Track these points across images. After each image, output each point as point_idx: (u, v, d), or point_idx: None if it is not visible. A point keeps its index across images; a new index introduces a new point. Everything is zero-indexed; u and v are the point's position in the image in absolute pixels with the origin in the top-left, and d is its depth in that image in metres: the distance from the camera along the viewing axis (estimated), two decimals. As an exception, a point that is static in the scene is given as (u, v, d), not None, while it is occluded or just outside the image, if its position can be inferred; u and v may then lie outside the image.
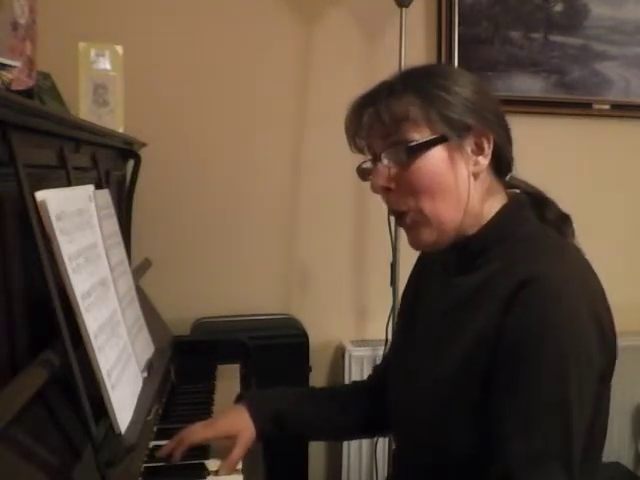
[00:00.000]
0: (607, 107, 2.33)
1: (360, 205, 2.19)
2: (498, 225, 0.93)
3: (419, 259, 1.15)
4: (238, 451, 1.04)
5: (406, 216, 0.93)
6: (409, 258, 2.08)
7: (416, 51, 2.13)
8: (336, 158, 2.20)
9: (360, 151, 0.97)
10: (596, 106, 2.32)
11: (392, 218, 1.97)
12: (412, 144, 0.89)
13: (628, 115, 2.34)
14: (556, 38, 2.26)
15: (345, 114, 0.96)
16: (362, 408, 1.16)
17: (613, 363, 0.89)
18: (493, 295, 0.86)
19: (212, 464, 1.04)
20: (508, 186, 0.98)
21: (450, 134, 0.89)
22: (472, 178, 0.91)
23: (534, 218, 0.95)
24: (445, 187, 0.90)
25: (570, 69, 2.28)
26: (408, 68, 0.98)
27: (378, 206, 2.03)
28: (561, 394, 0.80)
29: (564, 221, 0.96)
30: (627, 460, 2.29)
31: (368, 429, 1.21)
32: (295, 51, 2.13)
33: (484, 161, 0.91)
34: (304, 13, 2.12)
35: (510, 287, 0.83)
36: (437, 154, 0.89)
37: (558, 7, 2.25)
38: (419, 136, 0.89)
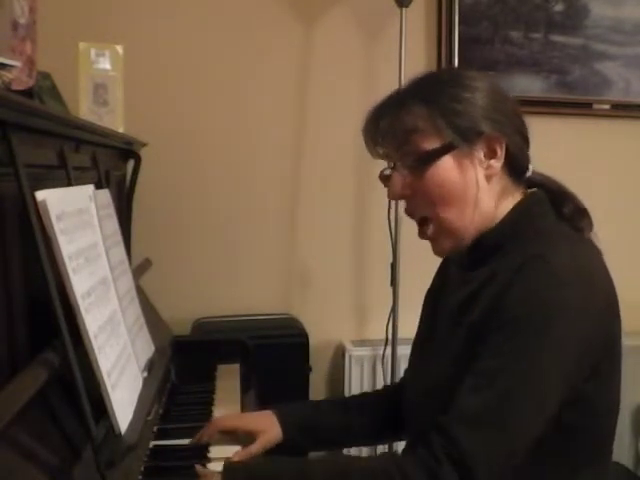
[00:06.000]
0: (607, 107, 2.33)
1: (360, 205, 2.19)
2: (510, 222, 0.94)
3: (444, 259, 1.15)
4: (257, 446, 1.06)
5: (427, 227, 0.95)
6: (409, 258, 2.07)
7: (416, 51, 2.14)
8: (336, 158, 2.21)
9: (382, 158, 1.00)
10: (596, 106, 2.32)
11: (392, 218, 1.99)
12: (421, 153, 0.91)
13: (628, 115, 2.34)
14: (556, 38, 2.26)
15: (361, 125, 0.98)
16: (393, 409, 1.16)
17: (614, 361, 0.89)
18: (496, 282, 0.88)
19: (213, 466, 1.03)
20: (528, 184, 0.99)
21: (459, 142, 0.91)
22: (485, 181, 0.93)
23: (551, 215, 0.95)
24: (459, 194, 0.92)
25: (570, 69, 2.28)
26: (421, 75, 0.99)
27: (378, 206, 2.05)
28: (530, 363, 0.81)
29: (581, 216, 0.96)
30: (627, 460, 2.29)
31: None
32: (295, 51, 2.13)
33: (497, 164, 0.93)
34: (304, 13, 2.12)
35: (510, 271, 0.85)
36: (448, 161, 0.91)
37: (558, 7, 2.25)
38: (429, 146, 0.92)
